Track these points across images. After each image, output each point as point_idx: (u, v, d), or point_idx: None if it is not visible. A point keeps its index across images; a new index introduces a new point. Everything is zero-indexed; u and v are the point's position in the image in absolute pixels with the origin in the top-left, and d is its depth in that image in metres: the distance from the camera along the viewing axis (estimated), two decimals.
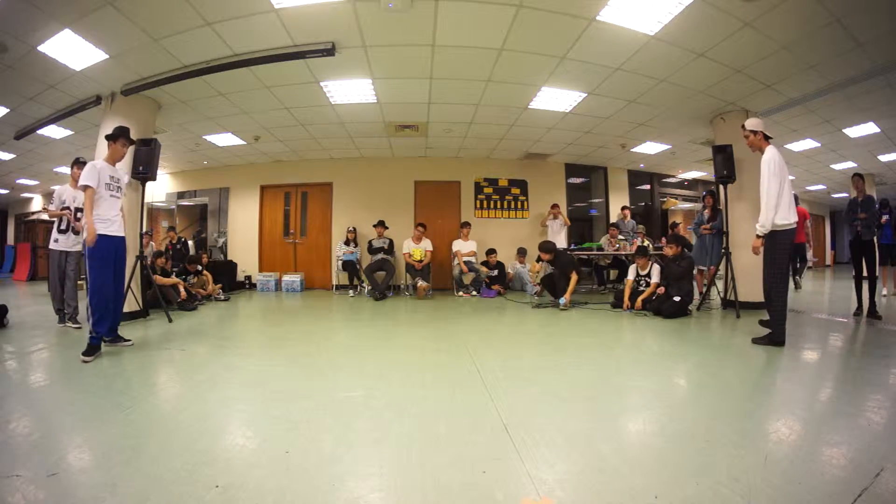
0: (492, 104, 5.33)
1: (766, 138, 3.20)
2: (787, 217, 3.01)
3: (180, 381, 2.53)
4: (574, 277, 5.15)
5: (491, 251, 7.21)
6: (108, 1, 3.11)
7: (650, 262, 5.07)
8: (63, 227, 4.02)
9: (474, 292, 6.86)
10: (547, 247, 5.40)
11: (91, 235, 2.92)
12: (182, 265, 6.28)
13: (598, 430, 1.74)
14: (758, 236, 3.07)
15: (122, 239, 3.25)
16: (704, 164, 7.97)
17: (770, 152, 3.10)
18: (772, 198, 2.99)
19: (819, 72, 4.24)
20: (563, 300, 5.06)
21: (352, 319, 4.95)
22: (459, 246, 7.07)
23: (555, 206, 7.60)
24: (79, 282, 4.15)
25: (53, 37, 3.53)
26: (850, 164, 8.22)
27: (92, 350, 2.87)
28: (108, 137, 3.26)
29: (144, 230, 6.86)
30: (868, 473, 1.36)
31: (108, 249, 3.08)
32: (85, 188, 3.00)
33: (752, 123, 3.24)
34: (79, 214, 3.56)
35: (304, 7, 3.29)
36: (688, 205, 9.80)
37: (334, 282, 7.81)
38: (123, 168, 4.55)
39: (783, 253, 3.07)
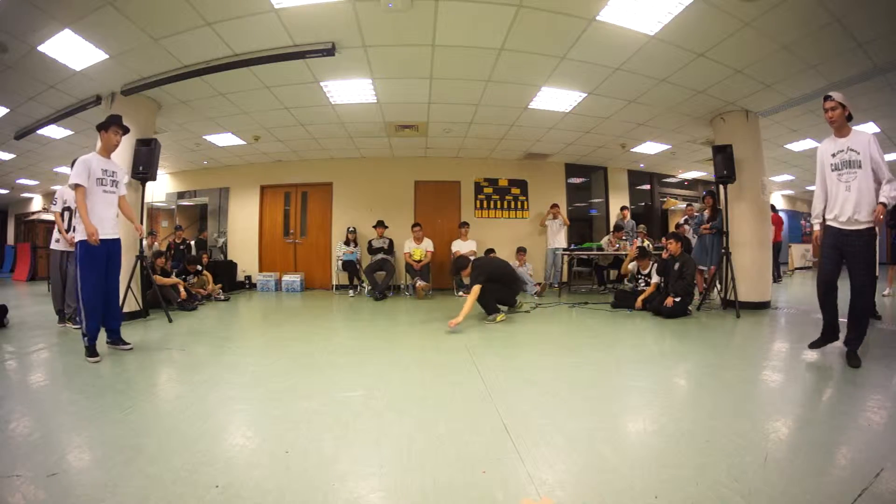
0: (492, 104, 5.32)
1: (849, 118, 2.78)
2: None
3: (180, 381, 2.53)
4: (475, 290, 4.13)
5: (490, 251, 7.20)
6: (108, 1, 3.11)
7: (651, 263, 5.06)
8: (67, 228, 4.02)
9: None
10: (461, 263, 4.47)
11: (90, 232, 2.77)
12: (182, 265, 6.28)
13: (598, 430, 1.74)
14: (885, 205, 2.64)
15: (116, 241, 3.07)
16: (704, 164, 7.96)
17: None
18: None
19: (819, 72, 4.23)
20: (491, 316, 4.28)
21: (352, 319, 4.94)
22: (459, 246, 7.06)
23: (554, 205, 7.61)
24: None
25: (53, 37, 3.52)
26: None
27: (91, 351, 2.84)
28: (98, 127, 3.08)
29: (149, 231, 6.91)
30: (868, 473, 1.36)
31: (99, 252, 2.89)
32: (75, 187, 2.84)
33: (839, 96, 2.76)
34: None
35: (304, 7, 3.29)
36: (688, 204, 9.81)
37: (334, 282, 7.81)
38: (123, 167, 4.58)
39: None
